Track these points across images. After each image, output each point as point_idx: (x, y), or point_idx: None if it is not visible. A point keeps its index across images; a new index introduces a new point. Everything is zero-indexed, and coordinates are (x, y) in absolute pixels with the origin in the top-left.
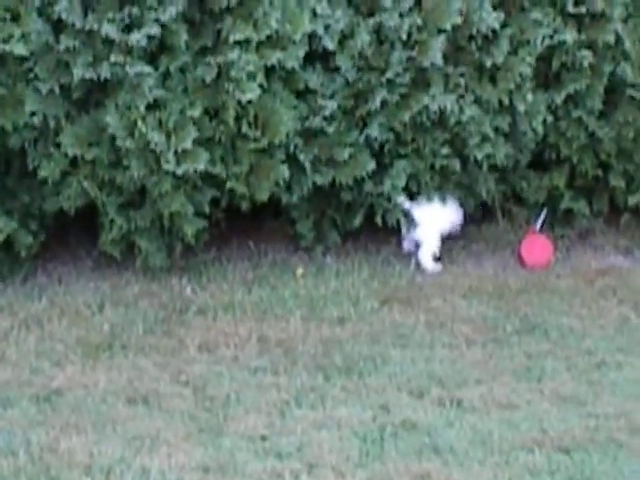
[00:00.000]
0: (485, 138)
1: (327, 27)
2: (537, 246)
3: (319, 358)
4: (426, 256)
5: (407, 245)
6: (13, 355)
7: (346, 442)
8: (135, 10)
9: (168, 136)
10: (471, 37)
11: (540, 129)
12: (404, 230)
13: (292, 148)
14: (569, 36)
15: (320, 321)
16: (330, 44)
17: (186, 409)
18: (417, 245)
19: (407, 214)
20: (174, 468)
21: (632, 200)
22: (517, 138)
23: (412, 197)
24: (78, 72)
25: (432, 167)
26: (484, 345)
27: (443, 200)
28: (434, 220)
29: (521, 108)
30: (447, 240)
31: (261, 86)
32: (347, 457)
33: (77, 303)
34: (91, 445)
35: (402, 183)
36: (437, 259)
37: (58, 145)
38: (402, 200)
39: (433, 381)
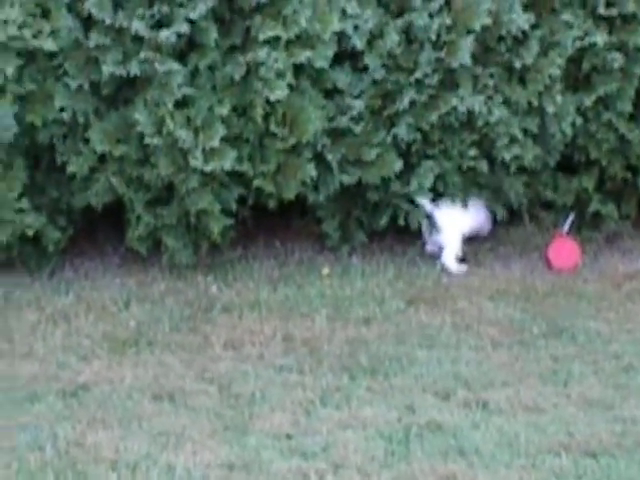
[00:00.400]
0: (513, 140)
1: (356, 26)
2: (564, 249)
3: (345, 358)
4: (449, 258)
5: (430, 247)
6: (40, 350)
7: (371, 442)
8: (165, 7)
9: (196, 133)
10: (501, 38)
11: (569, 131)
12: (426, 233)
13: (319, 147)
14: (600, 38)
15: (346, 321)
16: (359, 43)
17: (211, 406)
18: (440, 247)
19: (429, 217)
20: (199, 465)
21: None
22: (546, 140)
23: (437, 198)
24: (107, 68)
25: (459, 168)
26: (510, 347)
27: (467, 202)
28: (456, 223)
29: (550, 110)
30: (474, 242)
31: (289, 85)
32: (372, 457)
33: (104, 299)
34: (117, 440)
35: (429, 184)
36: (462, 260)
37: (87, 141)
38: (424, 203)
39: (459, 382)
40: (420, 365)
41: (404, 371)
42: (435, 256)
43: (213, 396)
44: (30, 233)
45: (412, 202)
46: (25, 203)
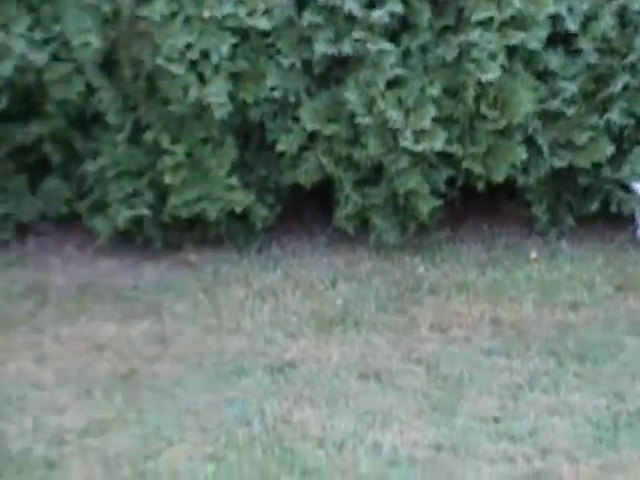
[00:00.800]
0: None
1: (570, 9)
2: None
3: (552, 342)
4: None
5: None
6: (248, 325)
7: (579, 429)
8: None
9: (407, 114)
10: None
11: None
12: (639, 218)
13: (530, 130)
14: None
15: (553, 305)
16: (573, 26)
17: (419, 387)
18: None
19: None
20: (406, 444)
21: None
22: None
23: None
24: (320, 48)
25: None
26: None
27: None
28: None
29: None
30: None
31: (502, 66)
32: (580, 444)
33: (311, 277)
34: (324, 418)
35: None
36: None
37: (297, 119)
38: (638, 187)
39: None
40: (629, 352)
41: (612, 358)
42: None
43: (420, 377)
44: (238, 210)
45: (625, 188)
46: (234, 180)
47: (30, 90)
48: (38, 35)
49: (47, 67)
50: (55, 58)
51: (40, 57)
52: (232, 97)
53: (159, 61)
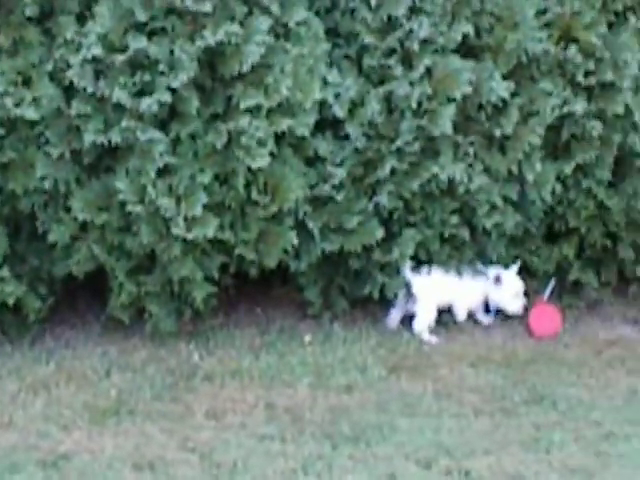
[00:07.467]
0: (494, 207)
1: (337, 95)
2: (546, 316)
3: (326, 426)
4: (420, 327)
5: (392, 321)
6: (20, 419)
7: None
8: (146, 76)
9: (178, 202)
10: (481, 106)
11: (549, 198)
12: (399, 300)
13: (301, 215)
14: (579, 106)
15: (327, 389)
16: (340, 112)
17: (192, 476)
18: (411, 317)
19: (406, 285)
20: None
21: None
22: (526, 207)
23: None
24: (89, 137)
25: (441, 236)
26: (492, 415)
27: (449, 270)
28: (431, 291)
29: (530, 177)
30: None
31: (271, 153)
32: None
33: (84, 367)
34: None
35: (410, 252)
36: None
37: (68, 209)
38: (406, 272)
39: (441, 451)
40: (402, 433)
41: (386, 439)
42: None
43: (195, 466)
44: (10, 302)
45: (395, 269)
46: (5, 272)
47: None
48: None
49: None
50: None
51: None
52: (1, 188)
53: None
